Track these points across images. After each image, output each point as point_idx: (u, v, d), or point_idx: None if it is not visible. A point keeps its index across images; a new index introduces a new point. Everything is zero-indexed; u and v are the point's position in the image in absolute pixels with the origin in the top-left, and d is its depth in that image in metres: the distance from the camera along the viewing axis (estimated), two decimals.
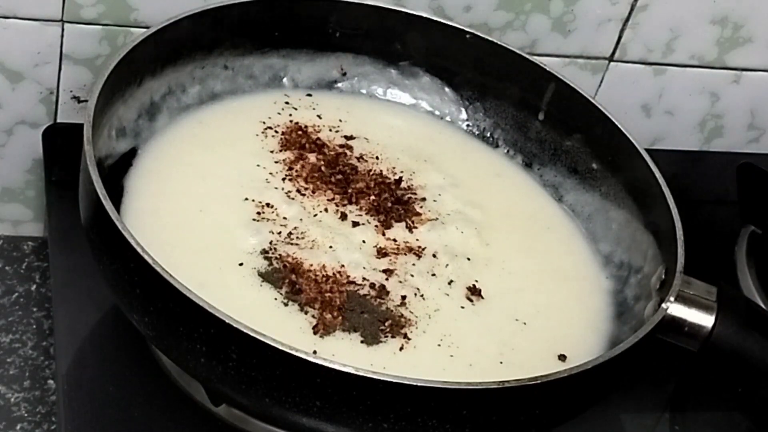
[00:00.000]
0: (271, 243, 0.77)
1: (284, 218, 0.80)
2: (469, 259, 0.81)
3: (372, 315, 0.75)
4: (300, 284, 0.75)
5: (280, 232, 0.78)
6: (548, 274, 0.83)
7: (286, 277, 0.75)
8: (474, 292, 0.79)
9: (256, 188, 0.82)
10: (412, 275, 0.78)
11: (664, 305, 0.74)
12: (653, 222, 0.82)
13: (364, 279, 0.77)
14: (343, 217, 0.81)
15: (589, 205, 0.88)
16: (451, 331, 0.76)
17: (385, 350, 0.73)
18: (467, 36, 0.91)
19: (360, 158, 0.87)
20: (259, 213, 0.80)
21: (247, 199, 0.80)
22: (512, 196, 0.89)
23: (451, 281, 0.79)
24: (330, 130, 0.89)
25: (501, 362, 0.75)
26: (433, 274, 0.79)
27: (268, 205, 0.80)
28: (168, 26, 0.82)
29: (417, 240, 0.81)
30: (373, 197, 0.83)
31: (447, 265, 0.80)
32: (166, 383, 0.78)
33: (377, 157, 0.87)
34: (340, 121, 0.90)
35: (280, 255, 0.77)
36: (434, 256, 0.81)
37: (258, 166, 0.83)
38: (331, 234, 0.79)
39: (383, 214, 0.82)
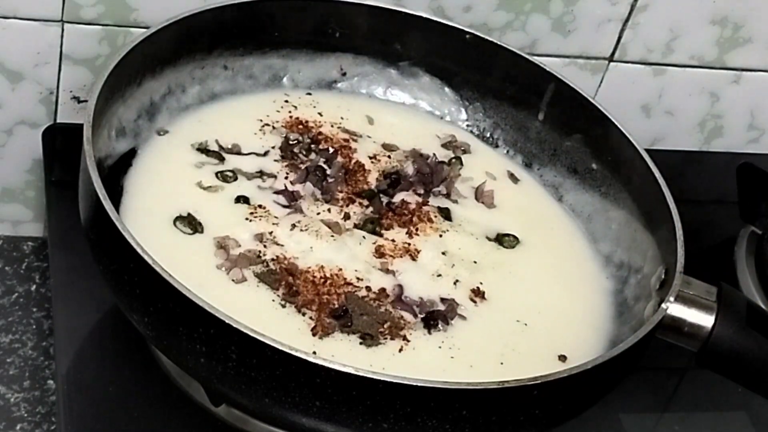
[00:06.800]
0: (266, 244, 0.77)
1: (277, 218, 0.80)
2: (475, 262, 0.81)
3: (371, 317, 0.75)
4: (297, 286, 0.75)
5: (271, 232, 0.78)
6: (549, 275, 0.83)
7: (283, 278, 0.75)
8: (478, 293, 0.79)
9: (255, 188, 0.82)
10: (412, 276, 0.78)
11: (664, 305, 0.74)
12: (653, 222, 0.82)
13: (360, 280, 0.77)
14: (346, 216, 0.81)
15: (589, 205, 0.88)
16: (452, 333, 0.76)
17: (384, 352, 0.73)
18: (467, 36, 0.91)
19: (361, 157, 0.87)
20: (253, 213, 0.80)
21: (246, 199, 0.80)
22: (512, 197, 0.89)
23: (457, 281, 0.79)
24: (332, 126, 0.89)
25: (501, 363, 0.75)
26: (439, 275, 0.79)
27: (265, 206, 0.80)
28: (168, 26, 0.82)
29: (417, 241, 0.81)
30: (374, 197, 0.83)
31: (453, 265, 0.80)
32: (166, 383, 0.78)
33: (375, 156, 0.87)
34: (342, 119, 0.90)
35: (277, 256, 0.77)
36: (443, 254, 0.81)
37: (258, 166, 0.83)
38: (331, 234, 0.79)
39: (384, 215, 0.82)
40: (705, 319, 0.75)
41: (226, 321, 0.64)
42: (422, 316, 0.76)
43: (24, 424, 0.86)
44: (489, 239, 0.84)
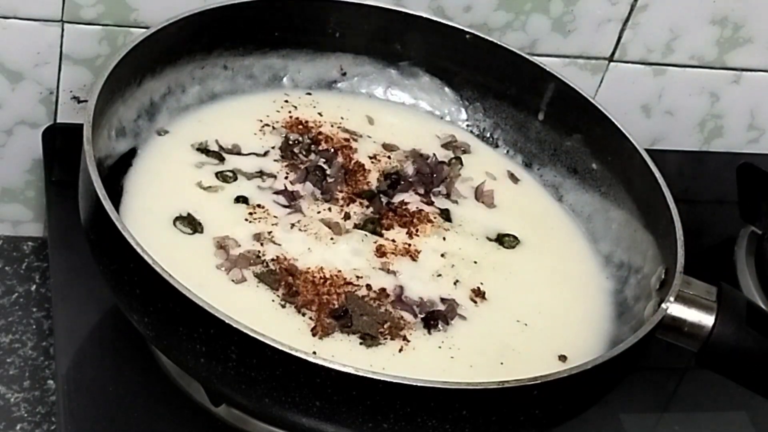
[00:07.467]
0: (266, 243, 0.77)
1: (276, 218, 0.80)
2: (475, 262, 0.81)
3: (371, 317, 0.75)
4: (297, 286, 0.75)
5: (271, 232, 0.78)
6: (549, 275, 0.83)
7: (282, 279, 0.75)
8: (478, 293, 0.79)
9: (255, 188, 0.82)
10: (412, 276, 0.78)
11: (664, 305, 0.74)
12: (653, 222, 0.82)
13: (360, 279, 0.77)
14: (346, 216, 0.81)
15: (589, 205, 0.88)
16: (452, 333, 0.76)
17: (384, 352, 0.73)
18: (467, 36, 0.91)
19: (361, 157, 0.87)
20: (253, 213, 0.80)
21: (246, 199, 0.80)
22: (512, 197, 0.89)
23: (457, 281, 0.79)
24: (332, 126, 0.89)
25: (501, 363, 0.75)
26: (439, 275, 0.79)
27: (265, 206, 0.80)
28: (168, 26, 0.82)
29: (418, 241, 0.81)
30: (375, 197, 0.83)
31: (453, 265, 0.80)
32: (166, 383, 0.78)
33: (376, 156, 0.87)
34: (342, 119, 0.90)
35: (276, 257, 0.77)
36: (443, 254, 0.81)
37: (258, 166, 0.83)
38: (331, 235, 0.79)
39: (384, 215, 0.82)
40: (705, 319, 0.75)
41: (226, 321, 0.64)
42: (422, 316, 0.76)
43: (24, 424, 0.86)
44: (489, 239, 0.84)
